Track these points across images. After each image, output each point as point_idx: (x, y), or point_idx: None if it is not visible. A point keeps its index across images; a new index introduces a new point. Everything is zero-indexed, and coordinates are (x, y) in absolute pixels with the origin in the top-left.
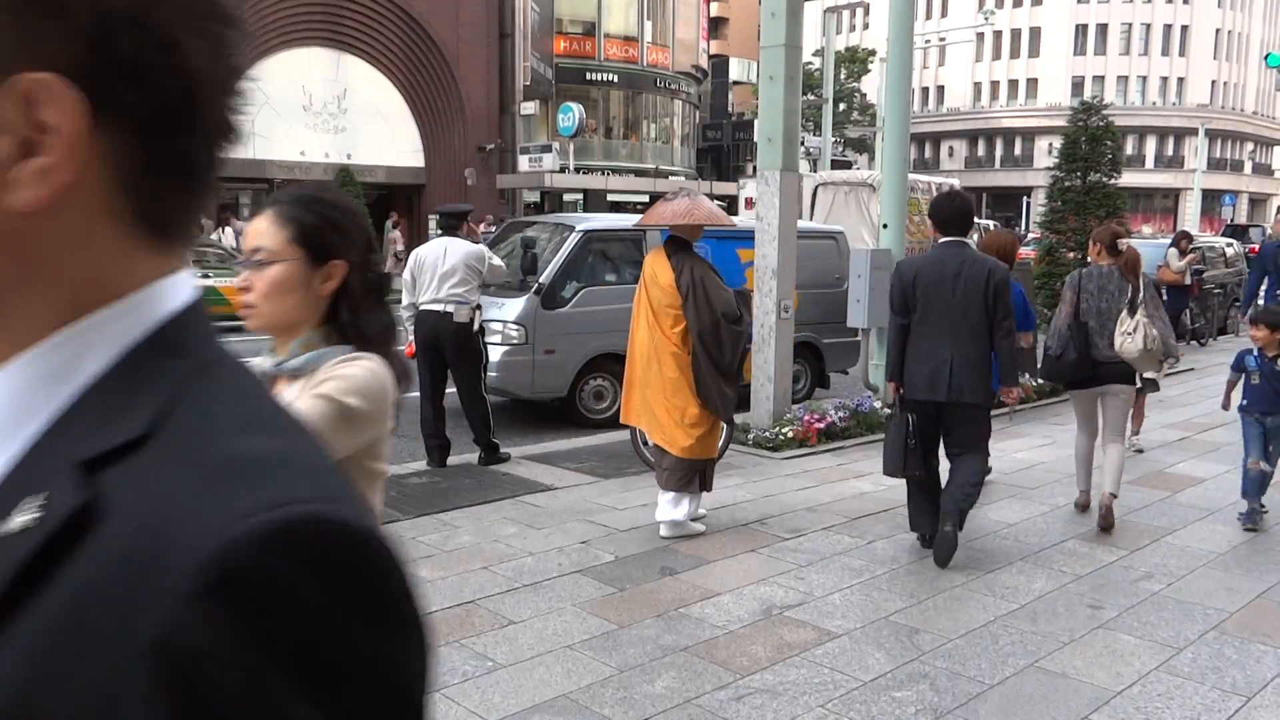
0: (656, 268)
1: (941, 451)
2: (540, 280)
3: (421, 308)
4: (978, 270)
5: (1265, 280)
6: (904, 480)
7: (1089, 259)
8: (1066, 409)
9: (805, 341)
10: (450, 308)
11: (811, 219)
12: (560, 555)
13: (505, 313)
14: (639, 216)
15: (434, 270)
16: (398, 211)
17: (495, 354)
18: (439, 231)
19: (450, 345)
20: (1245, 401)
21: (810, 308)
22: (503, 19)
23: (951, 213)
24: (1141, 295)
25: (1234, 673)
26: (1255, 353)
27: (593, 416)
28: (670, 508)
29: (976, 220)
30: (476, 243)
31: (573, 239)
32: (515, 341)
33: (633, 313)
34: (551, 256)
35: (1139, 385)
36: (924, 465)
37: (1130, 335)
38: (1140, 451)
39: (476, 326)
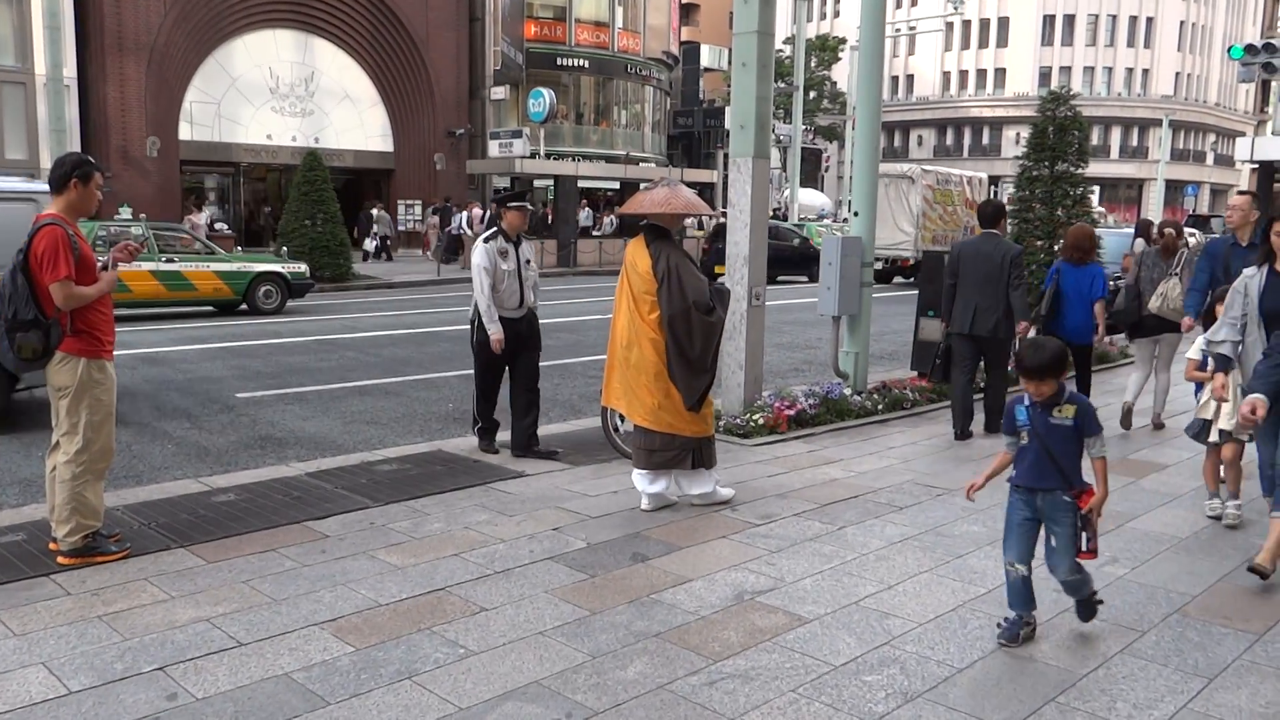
0: (636, 255)
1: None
2: None
3: None
4: (999, 252)
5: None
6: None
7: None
8: None
9: None
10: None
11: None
12: (532, 542)
13: None
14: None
15: None
16: (367, 196)
17: None
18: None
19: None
20: (1014, 472)
21: None
22: (472, 3)
23: (989, 213)
24: (1178, 269)
25: (1196, 655)
26: (1026, 402)
27: None
28: (646, 483)
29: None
30: (511, 225)
31: None
32: None
33: (615, 298)
34: None
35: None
36: (960, 379)
37: (1159, 296)
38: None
39: (471, 314)
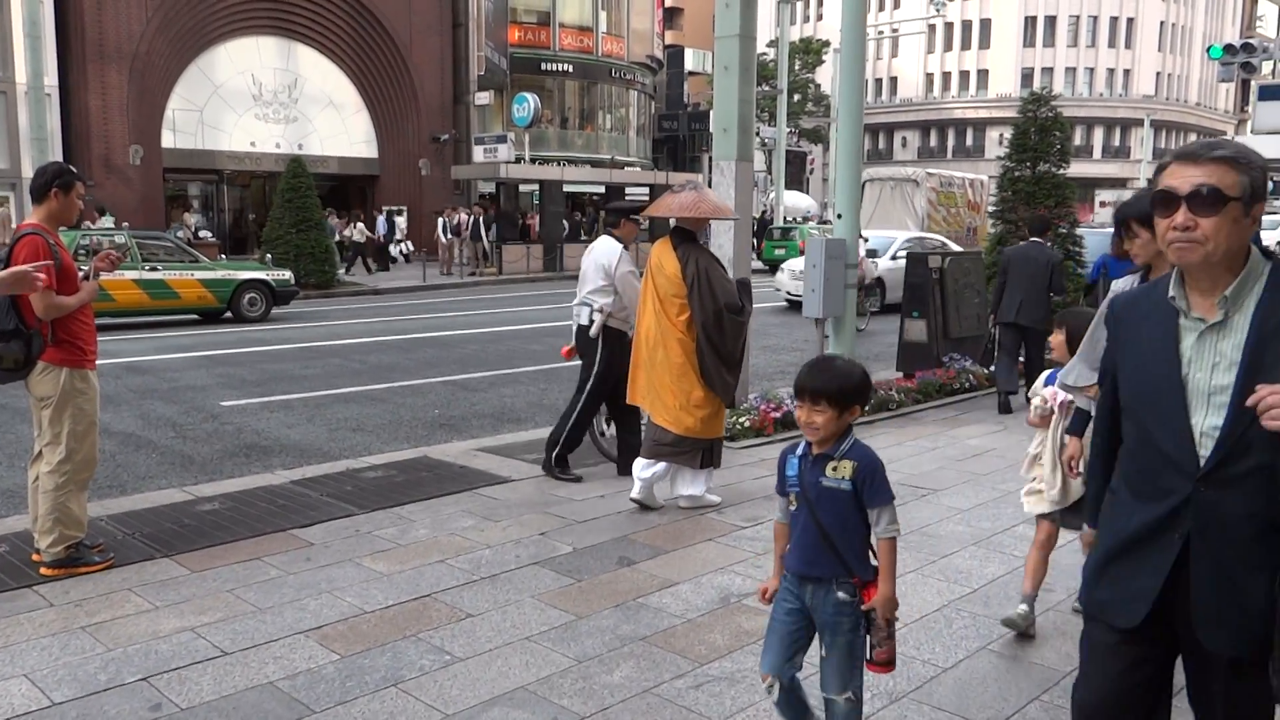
0: (663, 257)
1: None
2: None
3: None
4: (1043, 258)
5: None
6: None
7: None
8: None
9: None
10: (579, 309)
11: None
12: (517, 547)
13: None
14: None
15: (582, 270)
16: (352, 203)
17: None
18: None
19: (578, 348)
20: (790, 550)
21: None
22: (456, 8)
23: (1037, 226)
24: None
25: None
26: (799, 450)
27: None
28: (641, 467)
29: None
30: (627, 238)
31: None
32: None
33: (639, 299)
34: None
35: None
36: (1004, 359)
37: None
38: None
39: (594, 331)
